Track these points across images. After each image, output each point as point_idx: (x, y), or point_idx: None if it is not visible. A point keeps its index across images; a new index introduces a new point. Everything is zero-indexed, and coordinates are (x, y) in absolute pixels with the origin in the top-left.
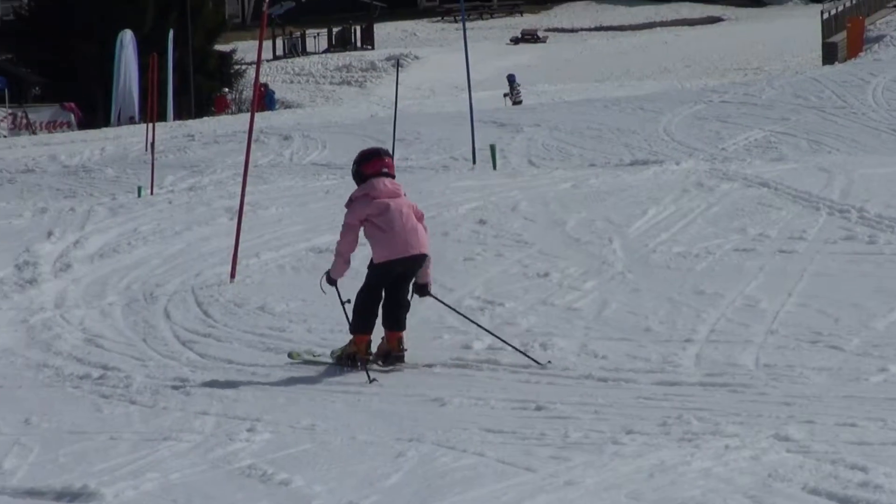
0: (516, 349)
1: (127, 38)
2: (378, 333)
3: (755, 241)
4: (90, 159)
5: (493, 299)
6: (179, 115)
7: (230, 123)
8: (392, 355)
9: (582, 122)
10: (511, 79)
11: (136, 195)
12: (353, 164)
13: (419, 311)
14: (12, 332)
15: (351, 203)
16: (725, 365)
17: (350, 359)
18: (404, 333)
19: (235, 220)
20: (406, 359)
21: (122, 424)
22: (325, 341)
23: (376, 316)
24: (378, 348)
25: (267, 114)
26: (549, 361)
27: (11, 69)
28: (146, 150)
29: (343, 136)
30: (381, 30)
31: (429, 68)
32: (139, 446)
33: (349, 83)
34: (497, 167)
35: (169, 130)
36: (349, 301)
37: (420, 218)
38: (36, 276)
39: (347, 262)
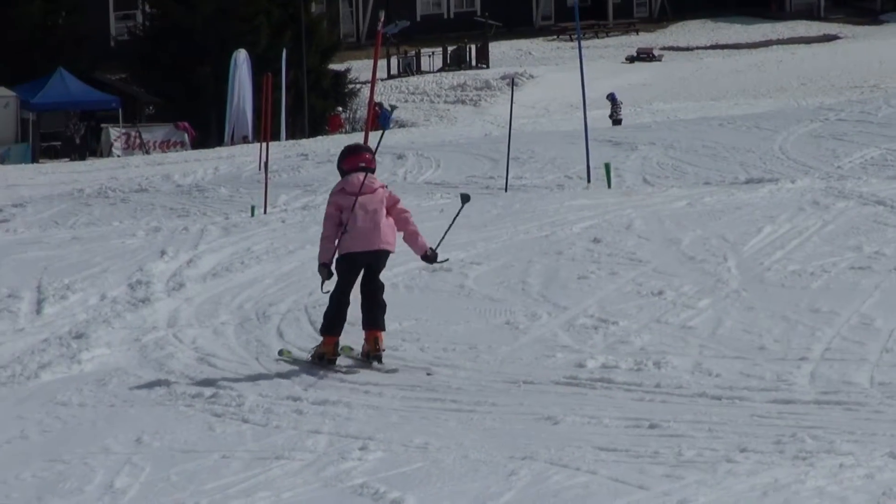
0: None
1: (241, 57)
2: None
3: (871, 259)
4: (203, 178)
5: (607, 318)
6: (293, 135)
7: (344, 142)
8: (371, 355)
9: (697, 141)
10: (612, 98)
11: (250, 214)
12: (337, 159)
13: (532, 329)
14: (125, 350)
15: (331, 196)
16: (840, 383)
17: (319, 358)
18: (382, 335)
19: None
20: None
21: (234, 443)
22: (438, 360)
23: (344, 319)
24: (362, 348)
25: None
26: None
27: (126, 88)
28: (259, 169)
29: (457, 155)
30: (496, 48)
31: (543, 87)
32: (251, 465)
33: (464, 102)
34: (612, 185)
35: (282, 150)
36: (328, 292)
37: (393, 207)
38: (149, 295)
39: (333, 245)
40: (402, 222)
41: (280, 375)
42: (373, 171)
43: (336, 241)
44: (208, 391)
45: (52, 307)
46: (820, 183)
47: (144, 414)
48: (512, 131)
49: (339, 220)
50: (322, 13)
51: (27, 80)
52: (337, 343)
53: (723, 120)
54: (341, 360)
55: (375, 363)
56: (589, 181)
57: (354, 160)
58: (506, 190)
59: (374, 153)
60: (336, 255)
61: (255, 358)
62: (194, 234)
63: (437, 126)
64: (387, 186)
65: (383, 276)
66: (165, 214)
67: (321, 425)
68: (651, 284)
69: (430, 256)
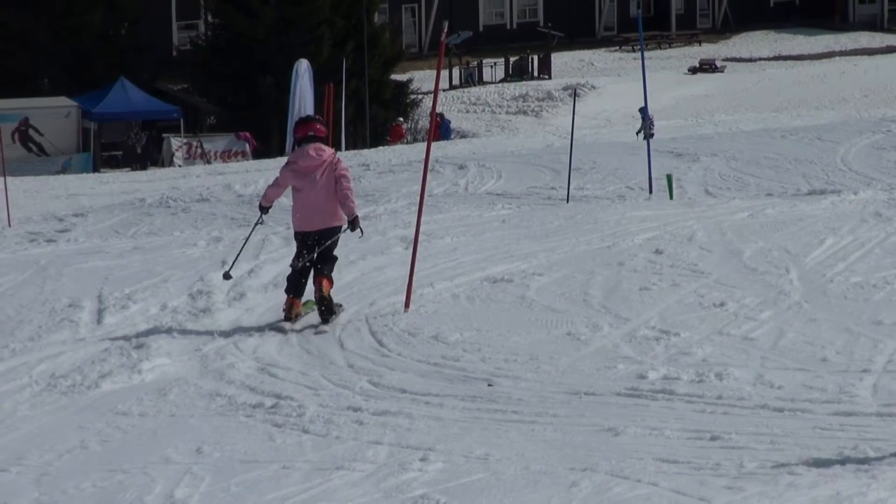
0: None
1: (302, 67)
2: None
3: None
4: (265, 188)
5: (669, 329)
6: (354, 145)
7: (405, 153)
8: (315, 299)
9: (759, 152)
10: (643, 112)
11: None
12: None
13: (593, 341)
14: (185, 360)
15: (284, 165)
16: None
17: (286, 313)
18: (326, 282)
19: (410, 250)
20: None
21: (294, 453)
22: (499, 370)
23: (301, 283)
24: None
25: (442, 143)
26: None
27: (187, 99)
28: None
29: (519, 166)
30: (559, 59)
31: (606, 98)
32: (312, 476)
33: (525, 112)
34: (673, 197)
35: (344, 159)
36: (262, 221)
37: (339, 177)
38: (210, 305)
39: (270, 202)
40: (338, 188)
41: (340, 386)
42: (323, 140)
43: (277, 197)
44: (269, 401)
45: (113, 317)
46: (882, 194)
47: (204, 424)
48: (574, 142)
49: (283, 189)
50: (385, 23)
51: (89, 90)
52: (295, 303)
53: (785, 131)
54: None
55: (321, 308)
56: (651, 192)
57: (304, 129)
58: (567, 201)
59: (324, 123)
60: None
61: (315, 368)
62: (255, 245)
63: (499, 137)
64: (336, 154)
65: (444, 286)
66: (226, 224)
67: (382, 436)
68: (713, 296)
69: (353, 223)
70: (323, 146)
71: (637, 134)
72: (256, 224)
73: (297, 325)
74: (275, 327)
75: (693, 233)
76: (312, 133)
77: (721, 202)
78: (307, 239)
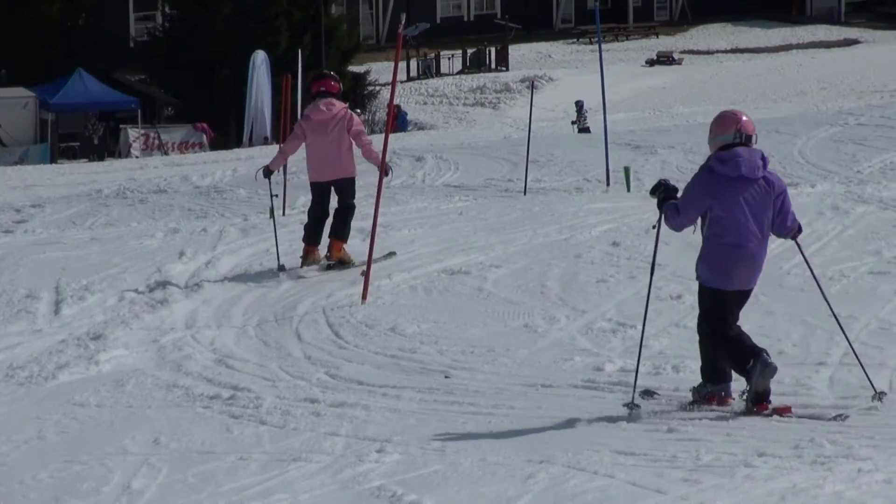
0: None
1: (259, 58)
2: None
3: (890, 264)
4: (222, 180)
5: (626, 321)
6: None
7: None
8: (326, 258)
9: None
10: (580, 105)
11: (268, 216)
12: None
13: (551, 333)
14: (143, 352)
15: (299, 120)
16: (859, 388)
17: (303, 260)
18: (340, 243)
19: (368, 242)
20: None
21: (251, 445)
22: (456, 362)
23: (317, 232)
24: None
25: (400, 135)
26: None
27: (145, 90)
28: (279, 170)
29: (476, 158)
30: (516, 51)
31: (563, 90)
32: (269, 467)
33: (483, 104)
34: (631, 189)
35: (302, 151)
36: (277, 195)
37: (356, 135)
38: (167, 296)
39: (285, 159)
40: (358, 142)
41: (298, 377)
42: (335, 96)
43: (287, 157)
44: (226, 393)
45: (71, 308)
46: (839, 187)
47: (162, 415)
48: (531, 134)
49: (300, 142)
50: (342, 15)
51: (46, 81)
52: (310, 251)
53: None
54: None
55: (331, 264)
56: (608, 185)
57: (318, 85)
58: (525, 193)
59: (338, 80)
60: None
61: (272, 360)
62: (213, 236)
63: (457, 128)
64: (348, 109)
65: (402, 278)
66: (184, 215)
67: (339, 428)
68: (670, 288)
69: (386, 170)
70: (334, 101)
71: (572, 124)
72: (273, 198)
73: (255, 320)
74: (231, 318)
75: (650, 225)
76: (324, 89)
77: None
78: (322, 187)
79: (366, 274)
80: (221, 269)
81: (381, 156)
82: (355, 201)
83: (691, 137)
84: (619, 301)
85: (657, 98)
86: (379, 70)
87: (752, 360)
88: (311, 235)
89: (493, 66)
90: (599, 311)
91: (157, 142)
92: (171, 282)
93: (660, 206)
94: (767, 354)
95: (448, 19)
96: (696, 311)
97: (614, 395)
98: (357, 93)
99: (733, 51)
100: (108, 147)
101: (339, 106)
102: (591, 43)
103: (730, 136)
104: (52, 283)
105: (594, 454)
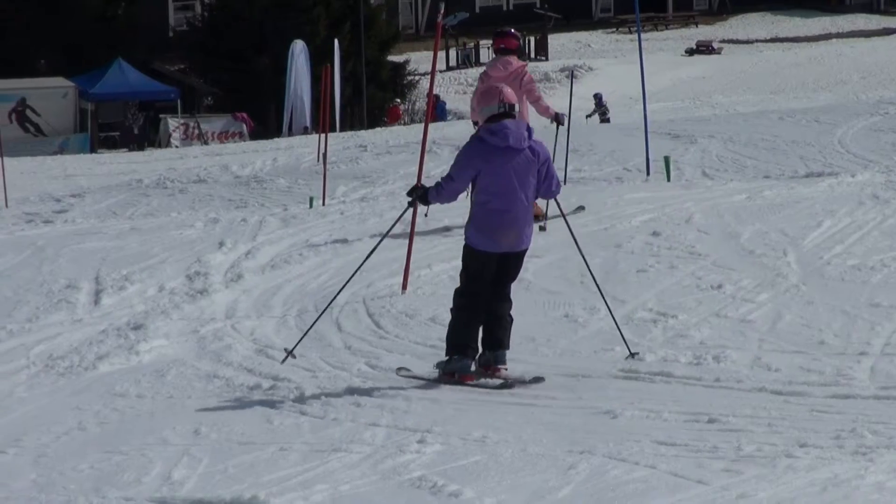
0: None
1: (298, 48)
2: None
3: None
4: (262, 170)
5: (666, 311)
6: (351, 126)
7: (402, 134)
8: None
9: (756, 134)
10: (598, 97)
11: (308, 206)
12: None
13: (591, 323)
14: (183, 342)
15: (481, 74)
16: None
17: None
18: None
19: (408, 231)
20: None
21: (292, 435)
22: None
23: None
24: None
25: (440, 124)
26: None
27: (184, 79)
28: (318, 160)
29: None
30: (556, 41)
31: (602, 79)
32: (309, 457)
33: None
34: (671, 179)
35: (341, 141)
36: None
37: (528, 91)
38: (207, 286)
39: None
40: (530, 97)
41: (338, 368)
42: (514, 52)
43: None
44: (266, 383)
45: (111, 298)
46: (880, 177)
47: (202, 405)
48: (571, 124)
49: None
50: (381, 4)
51: (86, 71)
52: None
53: (782, 113)
54: None
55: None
56: (648, 174)
57: (498, 42)
58: (564, 182)
59: (519, 37)
60: None
61: (313, 350)
62: (253, 226)
63: None
64: (526, 66)
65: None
66: (224, 206)
67: (379, 418)
68: (710, 278)
69: (557, 118)
70: (511, 59)
71: (587, 117)
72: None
73: (295, 310)
74: (271, 308)
75: (690, 215)
76: (504, 45)
77: (718, 184)
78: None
79: (406, 264)
80: (261, 259)
81: (550, 108)
82: None
83: (731, 127)
84: (659, 291)
85: (697, 87)
86: (418, 60)
87: (462, 349)
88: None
89: (532, 55)
90: (639, 300)
91: (196, 131)
92: (211, 272)
93: (422, 201)
94: (476, 357)
95: (487, 8)
96: (736, 301)
97: (655, 386)
98: (396, 82)
99: (772, 40)
100: (147, 137)
101: (517, 63)
102: (630, 32)
103: (495, 106)
104: (93, 273)
105: (635, 444)
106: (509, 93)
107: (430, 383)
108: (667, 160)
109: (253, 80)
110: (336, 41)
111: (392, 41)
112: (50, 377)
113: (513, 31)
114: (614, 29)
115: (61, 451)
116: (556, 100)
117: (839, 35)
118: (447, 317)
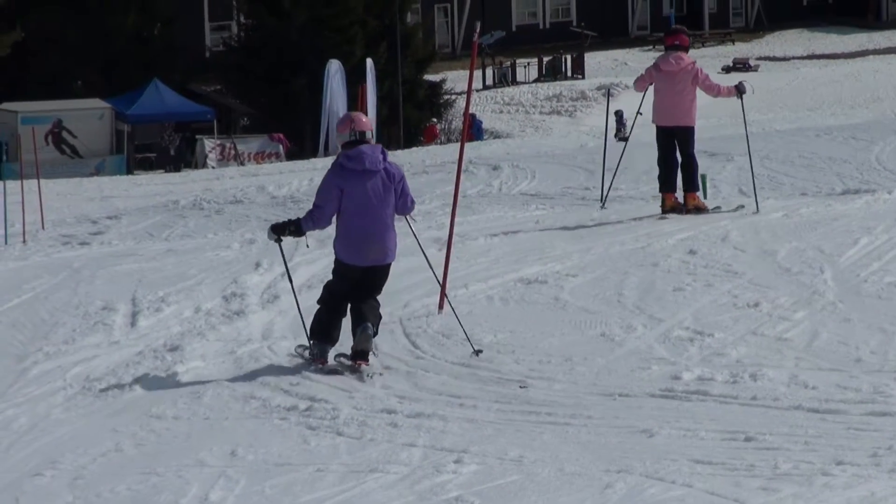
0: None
1: (334, 68)
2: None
3: None
4: (298, 190)
5: (703, 330)
6: (388, 146)
7: (439, 153)
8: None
9: (793, 151)
10: (619, 115)
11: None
12: None
13: (628, 342)
14: (219, 363)
15: (649, 66)
16: None
17: (662, 208)
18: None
19: (444, 251)
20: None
21: (328, 456)
22: (533, 372)
23: (672, 177)
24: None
25: (476, 144)
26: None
27: (220, 100)
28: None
29: (553, 166)
30: (592, 59)
31: (639, 97)
32: (346, 478)
33: (559, 113)
34: (707, 196)
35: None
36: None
37: (707, 87)
38: (243, 307)
39: (643, 88)
40: (711, 92)
41: (374, 388)
42: (684, 49)
43: (641, 89)
44: (303, 404)
45: (147, 320)
46: None
47: (239, 427)
48: (607, 142)
49: (648, 82)
50: (417, 24)
51: (122, 92)
52: (667, 197)
53: (819, 130)
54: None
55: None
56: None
57: (671, 39)
58: (602, 203)
59: (689, 34)
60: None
61: (349, 371)
62: (289, 246)
63: (533, 137)
64: (696, 62)
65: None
66: (260, 226)
67: (416, 438)
68: (747, 296)
69: (739, 89)
70: (683, 55)
71: (615, 137)
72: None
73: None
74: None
75: (727, 233)
76: (678, 42)
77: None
78: (665, 132)
79: (442, 284)
80: (297, 279)
81: (729, 87)
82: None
83: (767, 144)
84: (696, 309)
85: (733, 105)
86: (454, 79)
87: (320, 337)
88: (666, 181)
89: (568, 73)
90: (676, 319)
91: (233, 152)
92: (248, 293)
93: (297, 233)
94: (332, 353)
95: (524, 27)
96: (773, 319)
97: (692, 404)
98: (433, 102)
99: (809, 57)
100: (184, 158)
101: (688, 60)
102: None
103: (346, 135)
104: (129, 294)
105: (672, 464)
106: (363, 121)
107: (468, 405)
108: (703, 178)
109: (289, 100)
110: (369, 60)
111: (428, 60)
112: (87, 399)
113: (685, 28)
114: (651, 46)
115: (98, 473)
116: (593, 118)
117: (876, 51)
118: (483, 336)
